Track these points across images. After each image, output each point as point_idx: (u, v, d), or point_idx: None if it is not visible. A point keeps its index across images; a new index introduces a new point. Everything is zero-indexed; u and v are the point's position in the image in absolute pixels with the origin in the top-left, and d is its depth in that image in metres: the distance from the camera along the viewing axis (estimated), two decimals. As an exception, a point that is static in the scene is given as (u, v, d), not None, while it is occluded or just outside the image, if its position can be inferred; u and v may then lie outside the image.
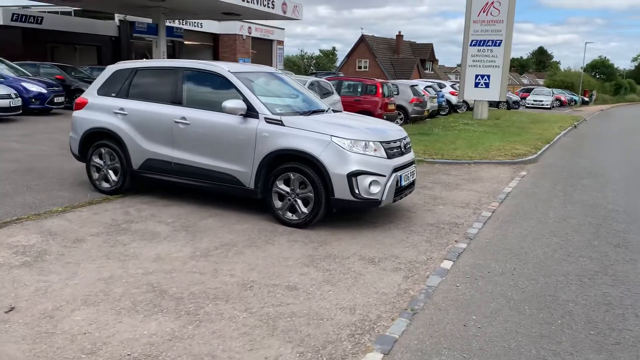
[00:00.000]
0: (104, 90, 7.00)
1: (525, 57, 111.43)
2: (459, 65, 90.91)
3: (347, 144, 5.58)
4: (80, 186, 7.24)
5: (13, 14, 23.65)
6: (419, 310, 3.89)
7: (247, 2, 21.54)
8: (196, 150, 6.23)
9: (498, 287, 4.41)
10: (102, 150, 6.89)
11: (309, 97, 7.14)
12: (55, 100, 16.22)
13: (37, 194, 6.78)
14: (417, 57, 59.87)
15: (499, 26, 21.25)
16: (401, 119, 19.23)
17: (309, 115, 6.27)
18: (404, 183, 5.99)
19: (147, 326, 3.49)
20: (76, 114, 7.13)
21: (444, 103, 25.73)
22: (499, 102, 30.58)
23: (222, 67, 6.28)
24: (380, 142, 5.78)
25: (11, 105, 13.87)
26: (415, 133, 15.04)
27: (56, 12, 28.24)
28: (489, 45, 21.69)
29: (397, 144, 6.06)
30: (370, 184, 5.58)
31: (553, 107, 42.48)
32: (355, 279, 4.43)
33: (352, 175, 5.51)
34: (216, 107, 6.00)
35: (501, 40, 21.34)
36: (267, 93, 6.65)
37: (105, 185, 6.95)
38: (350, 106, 16.29)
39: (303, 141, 5.65)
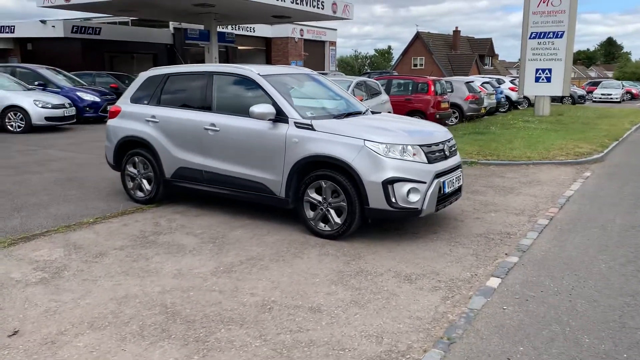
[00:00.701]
0: (136, 98, 6.86)
1: (592, 49, 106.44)
2: (520, 60, 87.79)
3: (382, 148, 5.13)
4: (117, 195, 7.14)
5: (73, 26, 24.52)
6: (456, 339, 3.40)
7: (297, 3, 21.33)
8: (226, 158, 5.96)
9: (552, 311, 3.84)
10: (136, 159, 6.75)
11: (346, 98, 6.73)
12: (108, 109, 16.55)
13: (72, 204, 6.71)
14: (476, 53, 58.12)
15: (561, 17, 20.04)
16: (456, 118, 18.48)
17: (343, 118, 5.86)
18: (447, 190, 5.47)
19: (150, 355, 3.19)
20: (110, 122, 7.03)
21: (503, 99, 24.59)
22: (562, 97, 29.08)
23: (251, 71, 5.97)
24: (420, 145, 5.30)
25: (65, 114, 14.21)
26: (470, 132, 14.31)
27: (114, 23, 29.13)
28: (550, 37, 20.50)
29: (440, 147, 5.55)
30: (409, 191, 5.11)
31: (623, 100, 40.05)
32: (387, 299, 3.99)
33: (388, 183, 5.06)
34: (246, 112, 5.69)
35: (563, 32, 20.12)
36: (300, 96, 6.31)
37: (139, 194, 6.81)
38: (401, 106, 15.78)
39: (334, 146, 5.25)
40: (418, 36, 57.25)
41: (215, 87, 6.18)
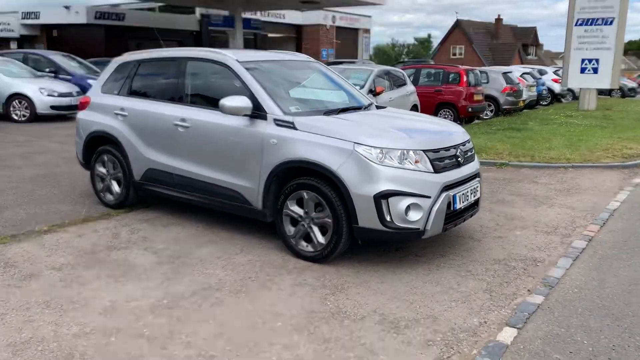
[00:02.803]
0: (107, 87, 6.01)
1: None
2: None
3: (376, 153, 4.12)
4: (88, 197, 6.32)
5: (97, 12, 24.07)
6: None
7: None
8: (197, 160, 5.06)
9: (584, 388, 2.80)
10: (105, 157, 5.92)
11: (346, 90, 5.71)
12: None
13: (34, 206, 5.94)
14: (519, 42, 55.64)
15: (611, 2, 18.33)
16: (491, 111, 17.15)
17: (336, 114, 4.85)
18: (459, 205, 4.42)
19: None
20: (79, 115, 6.22)
21: (544, 92, 22.99)
22: (611, 90, 27.12)
23: (227, 56, 5.03)
24: (425, 150, 4.26)
25: (72, 103, 13.56)
26: (505, 128, 13.05)
27: (141, 9, 28.68)
28: (598, 25, 18.81)
29: (451, 152, 4.49)
30: (408, 208, 4.09)
31: (677, 93, 37.40)
32: (361, 360, 3.01)
33: (382, 197, 4.05)
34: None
35: (613, 18, 18.42)
36: (289, 87, 5.32)
37: (109, 197, 5.98)
38: (429, 98, 14.63)
39: (317, 150, 4.27)
40: (458, 24, 55.17)
41: (189, 76, 5.27)
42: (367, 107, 5.38)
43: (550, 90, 23.96)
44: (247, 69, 4.89)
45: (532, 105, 20.78)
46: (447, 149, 4.46)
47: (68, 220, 5.48)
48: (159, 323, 3.40)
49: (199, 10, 27.92)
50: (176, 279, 4.10)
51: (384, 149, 4.14)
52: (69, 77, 15.05)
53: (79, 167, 6.55)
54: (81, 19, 23.63)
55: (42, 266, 4.30)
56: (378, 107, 5.55)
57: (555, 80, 24.68)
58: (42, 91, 12.93)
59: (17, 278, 4.06)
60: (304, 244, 4.50)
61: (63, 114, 13.63)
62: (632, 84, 33.99)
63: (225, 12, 23.57)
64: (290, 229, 4.56)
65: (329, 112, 4.85)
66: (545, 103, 23.18)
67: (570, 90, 24.53)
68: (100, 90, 6.04)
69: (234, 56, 5.01)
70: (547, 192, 7.08)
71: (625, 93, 30.86)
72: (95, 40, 24.06)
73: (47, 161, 8.44)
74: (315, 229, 4.40)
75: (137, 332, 3.28)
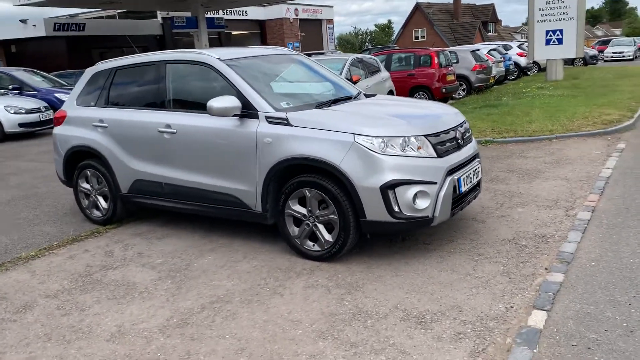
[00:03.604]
0: (82, 99, 5.73)
1: (596, 7, 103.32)
2: (524, 24, 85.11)
3: (377, 143, 3.97)
4: (74, 216, 6.05)
5: (55, 24, 23.34)
6: None
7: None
8: (188, 166, 4.83)
9: (628, 365, 2.71)
10: (88, 172, 5.65)
11: (332, 81, 5.54)
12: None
13: (18, 231, 5.65)
14: (478, 20, 56.08)
15: (570, -29, 18.50)
16: (463, 90, 17.18)
17: (328, 106, 4.68)
18: (464, 188, 4.31)
19: None
20: (56, 130, 5.92)
21: (511, 67, 23.17)
22: (573, 60, 27.48)
23: (209, 55, 4.80)
24: (426, 135, 4.12)
25: (41, 119, 13.14)
26: (481, 105, 13.04)
27: (101, 17, 27.96)
28: (560, -5, 18.99)
29: (452, 134, 4.37)
30: (416, 196, 3.96)
31: (636, 57, 38.22)
32: (394, 361, 2.87)
33: (388, 188, 3.90)
34: (206, 108, 4.51)
35: (574, -13, 18.61)
36: (275, 83, 5.12)
37: (96, 214, 5.72)
38: (403, 82, 14.55)
39: (316, 145, 4.09)
40: (418, 7, 55.29)
41: (170, 79, 5.03)
42: (356, 97, 5.22)
43: (516, 64, 24.16)
44: (231, 67, 4.68)
45: (500, 80, 20.92)
46: (446, 131, 4.33)
47: (56, 242, 5.21)
48: (173, 344, 3.20)
49: (160, 14, 27.33)
50: (181, 294, 3.90)
51: (385, 137, 3.99)
52: (34, 92, 14.53)
53: (60, 185, 6.27)
54: (40, 32, 22.86)
55: (36, 295, 4.05)
56: (367, 96, 5.40)
57: (521, 54, 24.91)
58: (8, 109, 12.45)
59: (11, 311, 3.81)
60: (309, 243, 4.33)
61: (31, 131, 13.14)
62: (592, 52, 34.59)
63: (188, 14, 23.08)
64: (294, 230, 4.38)
65: (320, 105, 4.67)
66: (513, 77, 23.37)
67: (535, 62, 24.77)
68: (76, 102, 5.75)
69: (215, 55, 4.79)
70: (537, 166, 7.04)
71: (587, 61, 31.35)
72: (57, 53, 23.34)
73: (24, 182, 8.07)
74: (321, 227, 4.23)
75: (151, 357, 3.08)
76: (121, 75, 5.45)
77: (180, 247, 4.85)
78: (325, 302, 3.58)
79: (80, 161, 5.69)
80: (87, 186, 5.69)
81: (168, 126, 4.86)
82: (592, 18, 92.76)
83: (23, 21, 23.47)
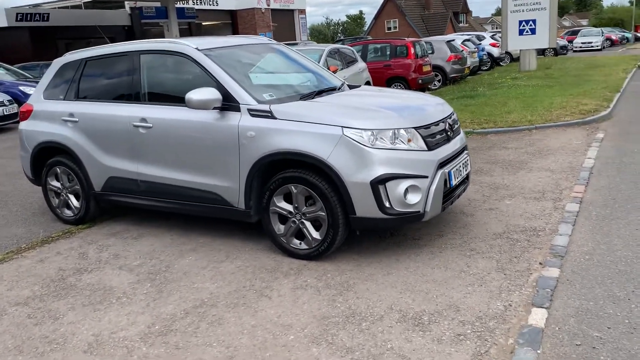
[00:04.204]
0: (50, 92, 5.41)
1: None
2: (494, 15, 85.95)
3: (367, 136, 3.80)
4: (44, 215, 5.75)
5: (17, 14, 22.46)
6: None
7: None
8: (165, 163, 4.59)
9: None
10: (58, 169, 5.35)
11: (315, 71, 5.34)
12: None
13: (-18, 233, 5.32)
14: (450, 11, 56.33)
15: (542, -39, 18.60)
16: (439, 81, 17.15)
17: (313, 98, 4.49)
18: (455, 181, 4.18)
19: None
20: (22, 126, 5.59)
21: (485, 57, 23.28)
22: (544, 50, 27.75)
23: (185, 45, 4.55)
24: (416, 127, 3.97)
25: (5, 113, 12.59)
26: (458, 96, 13.01)
27: (66, 7, 27.07)
28: (532, -15, 19.09)
29: (441, 126, 4.23)
30: (407, 191, 3.81)
31: (604, 47, 38.91)
32: (394, 367, 2.72)
33: (379, 183, 3.74)
34: (184, 100, 4.26)
35: (546, -22, 18.71)
36: (256, 73, 4.90)
37: (67, 213, 5.43)
38: (379, 73, 14.43)
39: (302, 138, 3.90)
40: (389, -2, 55.22)
41: (145, 71, 4.76)
42: (340, 88, 5.04)
43: (489, 54, 24.29)
44: (209, 57, 4.44)
45: (474, 71, 20.98)
46: (436, 123, 4.19)
47: (25, 245, 4.92)
48: (156, 354, 2.99)
49: (128, 4, 26.59)
50: (162, 298, 3.68)
51: (375, 130, 3.82)
52: (-4, 85, 13.94)
53: (27, 183, 5.95)
54: (1, 22, 21.98)
55: (5, 303, 3.78)
56: (351, 87, 5.22)
57: (494, 45, 25.05)
58: (-32, 104, 11.88)
59: (-22, 321, 3.54)
60: (296, 241, 4.15)
61: (-5, 126, 12.61)
62: (562, 42, 35.05)
63: (157, 3, 22.50)
64: (279, 227, 4.20)
65: (305, 97, 4.47)
66: (486, 68, 23.47)
67: (507, 53, 24.91)
68: (43, 96, 5.43)
69: (192, 44, 4.55)
70: (520, 157, 6.99)
71: (557, 51, 31.73)
72: (20, 44, 22.49)
73: (-13, 180, 7.68)
74: (308, 225, 4.05)
75: (134, 368, 2.87)
76: (92, 66, 5.15)
77: (158, 247, 4.62)
78: (316, 304, 3.41)
79: (49, 158, 5.39)
80: (57, 184, 5.40)
81: (144, 120, 4.61)
82: (560, 9, 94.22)
83: (-17, 11, 22.54)
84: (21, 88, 14.21)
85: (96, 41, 25.83)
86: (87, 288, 3.92)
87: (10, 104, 12.87)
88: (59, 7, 26.48)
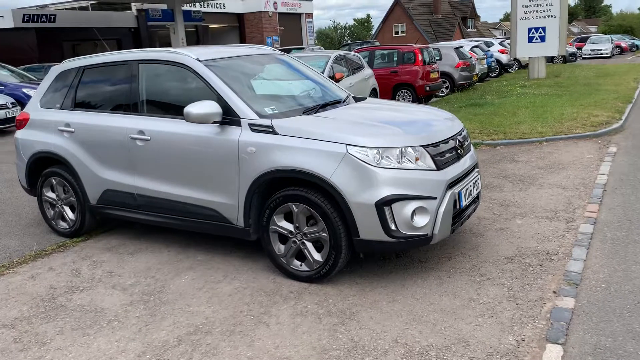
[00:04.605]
0: (47, 101, 5.26)
1: (572, 4, 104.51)
2: (502, 20, 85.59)
3: (372, 154, 3.61)
4: (39, 227, 5.59)
5: (24, 15, 22.43)
6: None
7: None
8: (163, 177, 4.42)
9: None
10: (53, 180, 5.19)
11: (320, 83, 5.16)
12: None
13: (-26, 245, 5.16)
14: (458, 16, 56.11)
15: (553, -32, 18.38)
16: (447, 88, 16.94)
17: (317, 112, 4.31)
18: (464, 202, 3.99)
19: None
20: (18, 134, 5.43)
21: (493, 64, 23.04)
22: (553, 57, 27.49)
23: (186, 56, 4.38)
24: (425, 145, 3.78)
25: (7, 116, 12.47)
26: (466, 104, 12.81)
27: (73, 9, 27.06)
28: (542, -7, 18.86)
29: (451, 143, 4.04)
30: (414, 212, 3.61)
31: (613, 55, 38.59)
32: (398, 410, 2.52)
33: (384, 204, 3.55)
34: (183, 113, 4.10)
35: (556, -15, 18.49)
36: (258, 86, 4.73)
37: (62, 225, 5.27)
38: (386, 79, 14.24)
39: (304, 156, 3.72)
40: (397, 2, 55.02)
41: (143, 81, 4.60)
42: (345, 101, 4.85)
43: (498, 61, 24.04)
44: (210, 68, 4.27)
45: (482, 78, 20.75)
46: (446, 141, 4.00)
47: (17, 259, 4.76)
48: (145, 387, 2.81)
49: (135, 6, 26.54)
50: (155, 322, 3.50)
51: (381, 148, 3.64)
52: (0, 87, 13.83)
53: (24, 192, 5.78)
54: (7, 23, 21.93)
55: (-9, 324, 3.61)
56: (356, 99, 5.04)
57: (502, 52, 24.81)
58: (-30, 106, 11.78)
59: (-39, 345, 3.37)
60: (297, 263, 3.97)
61: (-3, 129, 12.51)
62: (571, 49, 34.76)
63: (163, 6, 22.42)
64: (279, 247, 4.01)
65: (308, 111, 4.29)
66: (495, 75, 23.24)
67: (516, 59, 24.67)
68: (40, 104, 5.28)
69: (193, 55, 4.38)
70: (530, 171, 6.78)
71: (566, 58, 31.46)
72: (26, 46, 22.43)
73: (-16, 186, 7.55)
74: (309, 245, 3.87)
75: (120, 404, 2.69)
76: (90, 75, 4.99)
77: (154, 265, 4.44)
78: (317, 335, 3.22)
79: (44, 168, 5.23)
80: (53, 195, 5.24)
81: (141, 132, 4.44)
82: (569, 15, 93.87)
83: (-10, 12, 22.54)
84: (24, 90, 14.11)
85: (100, 42, 25.81)
86: (77, 309, 3.75)
87: (13, 107, 12.76)
88: (66, 9, 26.47)
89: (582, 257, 4.10)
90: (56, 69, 5.28)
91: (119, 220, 5.15)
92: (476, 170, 4.39)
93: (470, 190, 4.13)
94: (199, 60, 4.32)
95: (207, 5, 28.83)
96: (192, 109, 3.92)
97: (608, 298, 3.47)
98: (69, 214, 5.18)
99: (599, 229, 4.68)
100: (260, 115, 4.01)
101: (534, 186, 6.11)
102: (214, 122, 4.03)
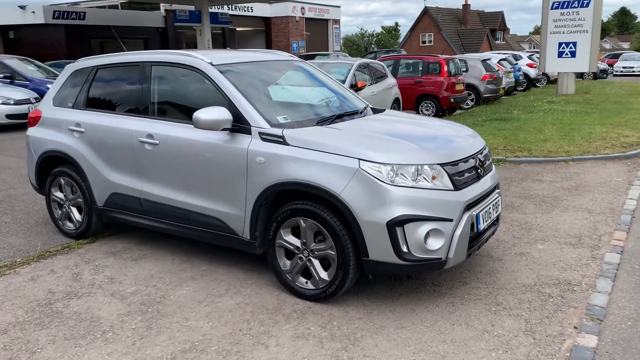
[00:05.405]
0: (60, 99, 5.18)
1: (605, 19, 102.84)
2: (532, 33, 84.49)
3: (386, 171, 3.42)
4: (46, 226, 5.51)
5: (55, 11, 22.75)
6: None
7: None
8: (169, 183, 4.28)
9: None
10: (62, 180, 5.10)
11: (338, 92, 4.98)
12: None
13: (-20, 242, 5.09)
14: (487, 27, 55.54)
15: (587, -17, 17.97)
16: (472, 100, 16.62)
17: (331, 122, 4.13)
18: (482, 225, 3.76)
19: None
20: (30, 131, 5.36)
21: (521, 77, 22.60)
22: (583, 73, 26.91)
23: (198, 58, 4.25)
24: (442, 164, 3.57)
25: (31, 111, 12.55)
26: (491, 118, 12.51)
27: (103, 7, 27.39)
28: (575, 7, 18.44)
29: (471, 162, 3.82)
30: (428, 235, 3.41)
31: (646, 73, 37.64)
32: None
33: (396, 224, 3.35)
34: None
35: (589, 0, 18.07)
36: (273, 93, 4.57)
37: (69, 226, 5.17)
38: (410, 89, 14.01)
39: (314, 169, 3.54)
40: (426, 11, 54.70)
41: (155, 83, 4.48)
42: (363, 112, 4.66)
43: (526, 75, 23.59)
44: (223, 73, 4.13)
45: (509, 91, 20.36)
46: (465, 160, 3.78)
47: (20, 259, 4.66)
48: (131, 409, 2.65)
49: (163, 6, 26.75)
50: (150, 336, 3.34)
51: (395, 165, 3.44)
52: (26, 82, 13.97)
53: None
54: (39, 19, 22.27)
55: (-17, 328, 3.50)
56: (375, 111, 4.85)
57: (531, 65, 24.35)
58: (-5, 99, 11.90)
59: (-50, 349, 3.26)
60: (302, 280, 3.79)
61: (20, 123, 12.58)
62: (603, 66, 34.04)
63: (191, 7, 22.53)
64: (285, 263, 3.84)
65: (322, 121, 4.11)
66: (522, 89, 22.80)
67: (544, 74, 24.20)
68: (52, 102, 5.20)
69: (206, 59, 4.24)
70: (554, 192, 6.50)
71: (597, 75, 30.80)
72: (55, 41, 22.76)
73: (1, 180, 7.52)
74: (316, 263, 3.69)
75: None
76: (103, 74, 4.89)
77: (157, 273, 4.30)
78: (319, 359, 3.03)
79: (54, 167, 5.15)
80: (61, 195, 5.15)
81: (150, 136, 4.31)
82: (601, 30, 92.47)
83: (22, 7, 22.90)
84: (49, 86, 14.19)
85: (128, 42, 26.12)
86: (73, 317, 3.62)
87: (36, 102, 12.84)
88: (96, 7, 26.80)
89: (607, 290, 3.84)
90: (70, 67, 5.20)
91: (126, 224, 5.04)
92: (497, 191, 4.16)
93: (490, 213, 3.91)
94: (213, 65, 4.18)
95: (235, 8, 28.94)
96: (202, 114, 3.78)
97: (633, 338, 3.21)
98: (76, 215, 5.08)
99: (626, 259, 4.40)
100: (272, 124, 3.84)
101: (557, 208, 5.83)
102: (224, 129, 3.88)
